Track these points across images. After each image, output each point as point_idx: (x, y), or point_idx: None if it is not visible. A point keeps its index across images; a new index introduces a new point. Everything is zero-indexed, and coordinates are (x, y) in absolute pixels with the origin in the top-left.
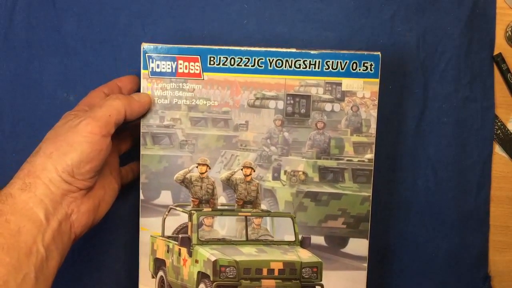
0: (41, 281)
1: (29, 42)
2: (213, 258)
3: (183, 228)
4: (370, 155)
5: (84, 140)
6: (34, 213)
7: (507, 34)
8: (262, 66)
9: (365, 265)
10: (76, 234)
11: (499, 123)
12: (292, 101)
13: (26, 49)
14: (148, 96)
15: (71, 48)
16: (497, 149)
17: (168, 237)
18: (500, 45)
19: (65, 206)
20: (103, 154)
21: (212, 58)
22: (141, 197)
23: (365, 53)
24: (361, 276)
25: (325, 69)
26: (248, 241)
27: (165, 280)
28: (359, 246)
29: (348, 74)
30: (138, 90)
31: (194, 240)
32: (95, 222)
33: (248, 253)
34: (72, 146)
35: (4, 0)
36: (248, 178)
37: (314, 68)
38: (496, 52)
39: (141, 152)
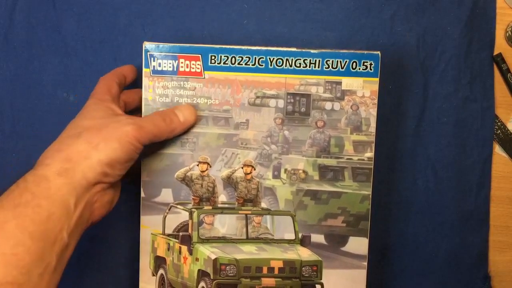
0: (58, 270)
1: (29, 42)
2: (213, 256)
3: (183, 226)
4: (370, 154)
5: (129, 142)
6: (66, 200)
7: (507, 34)
8: (262, 65)
9: (365, 263)
10: (92, 222)
11: (499, 123)
12: (292, 100)
13: (26, 49)
14: (186, 126)
15: (71, 48)
16: (497, 149)
17: (169, 235)
18: (500, 45)
19: (91, 194)
20: (137, 158)
21: (213, 57)
22: (142, 195)
23: (365, 52)
24: (361, 274)
25: (325, 68)
26: (248, 240)
27: (165, 278)
28: (359, 244)
29: (348, 73)
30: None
31: (195, 238)
32: (107, 213)
33: (248, 252)
34: (120, 143)
35: (4, 0)
36: (249, 177)
37: (314, 67)
38: (496, 52)
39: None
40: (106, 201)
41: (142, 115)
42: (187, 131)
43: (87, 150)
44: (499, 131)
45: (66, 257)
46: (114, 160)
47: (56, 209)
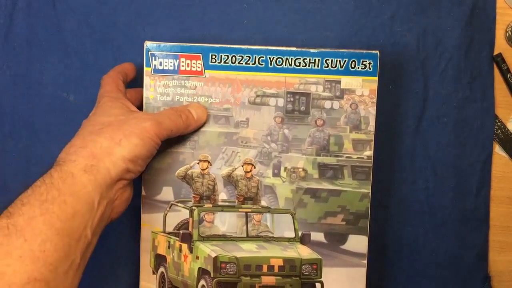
0: (81, 267)
1: (29, 42)
2: (213, 254)
3: (184, 224)
4: (369, 152)
5: (150, 138)
6: (90, 197)
7: (507, 34)
8: (262, 64)
9: (365, 262)
10: (111, 220)
11: (499, 123)
12: (292, 99)
13: (26, 49)
14: (199, 124)
15: (71, 48)
16: (497, 149)
17: (169, 233)
18: (500, 45)
19: (114, 191)
20: (155, 154)
21: (213, 56)
22: (143, 193)
23: (364, 51)
24: (360, 273)
25: (325, 67)
26: (248, 238)
27: (165, 276)
28: (358, 242)
29: (347, 72)
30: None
31: (195, 236)
32: (124, 211)
33: (248, 250)
34: (142, 140)
35: (4, 0)
36: (249, 175)
37: (314, 66)
38: (496, 52)
39: None
40: (125, 199)
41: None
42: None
43: (111, 147)
44: (499, 131)
45: (88, 254)
46: (136, 156)
47: (81, 206)
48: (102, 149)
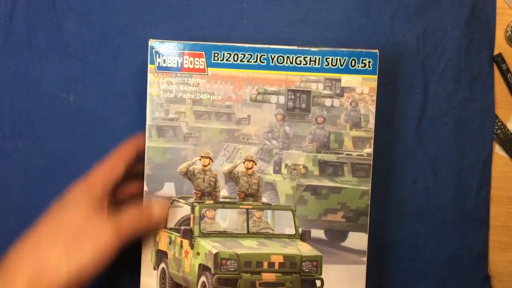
0: None
1: (29, 42)
2: (214, 251)
3: (185, 220)
4: (369, 150)
5: (106, 247)
6: None
7: (507, 34)
8: (264, 62)
9: (364, 259)
10: None
11: (499, 123)
12: (293, 96)
13: (26, 49)
14: (159, 222)
15: (71, 48)
16: (497, 149)
17: (171, 229)
18: (500, 45)
19: None
20: (110, 260)
21: (216, 54)
22: (145, 188)
23: (364, 50)
24: (360, 270)
25: (325, 65)
26: (249, 234)
27: (166, 272)
28: (358, 240)
29: (347, 70)
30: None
31: (196, 232)
32: None
33: (249, 246)
34: (95, 250)
35: (4, 0)
36: (250, 171)
37: (314, 64)
38: (496, 52)
39: (147, 144)
40: None
41: (147, 111)
42: (190, 125)
43: (58, 261)
44: (499, 131)
45: None
46: (86, 269)
47: None
48: (49, 265)
